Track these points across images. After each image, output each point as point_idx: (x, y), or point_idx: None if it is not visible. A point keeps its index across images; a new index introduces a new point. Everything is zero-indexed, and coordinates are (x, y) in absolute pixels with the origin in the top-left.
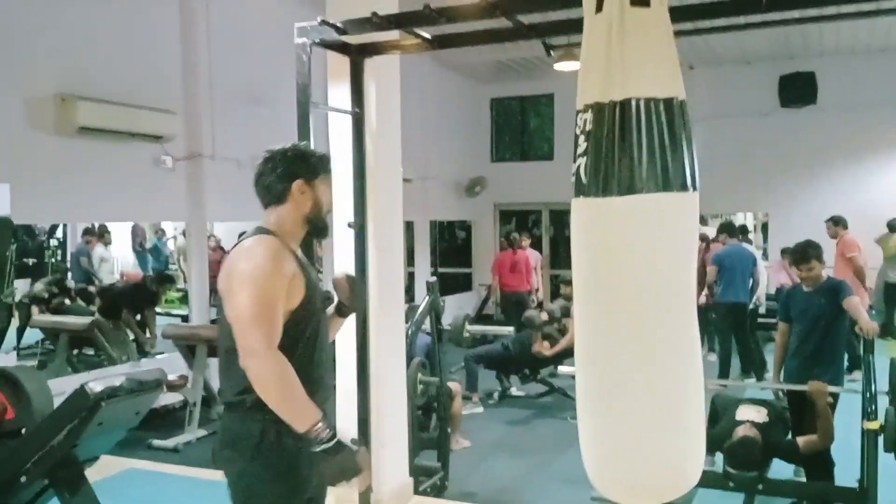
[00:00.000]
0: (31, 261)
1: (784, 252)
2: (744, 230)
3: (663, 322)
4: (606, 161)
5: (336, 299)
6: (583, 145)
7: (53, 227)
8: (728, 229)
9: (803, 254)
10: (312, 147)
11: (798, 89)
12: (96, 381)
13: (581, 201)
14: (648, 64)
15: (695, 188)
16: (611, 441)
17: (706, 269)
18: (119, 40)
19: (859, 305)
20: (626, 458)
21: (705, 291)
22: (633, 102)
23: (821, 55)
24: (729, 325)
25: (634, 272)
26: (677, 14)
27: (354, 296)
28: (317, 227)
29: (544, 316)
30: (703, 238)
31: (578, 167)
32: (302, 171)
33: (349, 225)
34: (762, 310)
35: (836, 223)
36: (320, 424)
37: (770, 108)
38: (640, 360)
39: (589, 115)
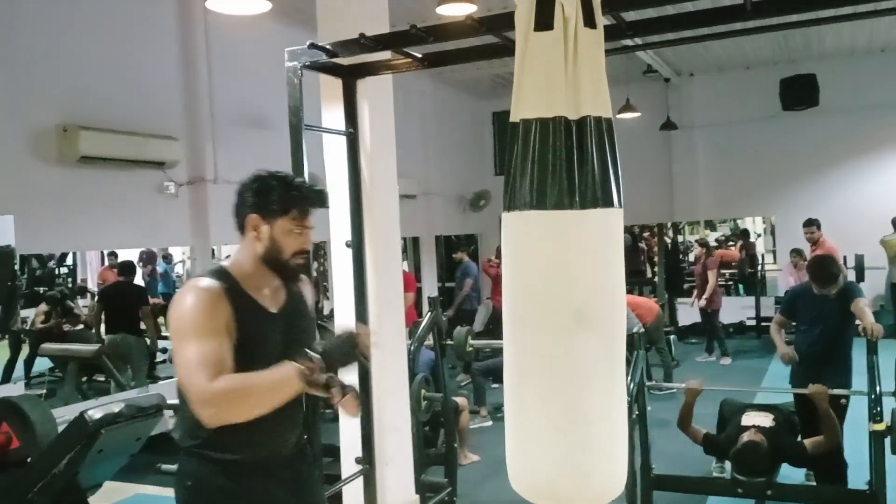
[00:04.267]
0: (42, 289)
1: (794, 253)
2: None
3: (559, 336)
4: (553, 176)
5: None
6: (522, 159)
7: (63, 256)
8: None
9: (824, 276)
10: (302, 179)
11: (799, 92)
12: (95, 409)
13: (514, 215)
14: (600, 83)
15: (615, 205)
16: (517, 447)
17: (707, 275)
18: (119, 68)
19: (866, 307)
20: (529, 465)
21: (706, 296)
22: (589, 121)
23: (821, 57)
24: None
25: (536, 284)
26: (664, 25)
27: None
28: (277, 270)
29: None
30: (703, 244)
31: (513, 179)
32: (258, 205)
33: (347, 244)
34: None
35: (819, 227)
36: (303, 371)
37: (772, 112)
38: (536, 373)
39: (534, 130)
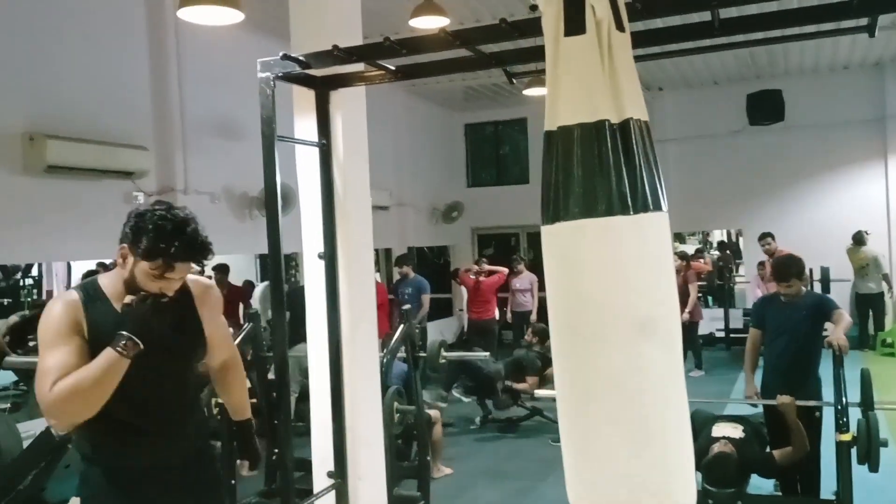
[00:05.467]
0: (5, 301)
1: (760, 265)
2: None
3: (625, 348)
4: (601, 182)
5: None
6: (565, 167)
7: (28, 266)
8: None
9: (784, 271)
10: (190, 229)
11: (765, 107)
12: None
13: (558, 226)
14: (636, 86)
15: (663, 209)
16: (582, 467)
17: (688, 288)
18: (88, 77)
19: (844, 322)
20: (596, 485)
21: (688, 309)
22: (632, 123)
23: (787, 74)
24: None
25: (595, 296)
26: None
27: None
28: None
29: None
30: (684, 256)
31: (556, 189)
32: (129, 240)
33: (319, 256)
34: None
35: (773, 238)
36: (120, 350)
37: (740, 127)
38: (602, 389)
39: (576, 137)
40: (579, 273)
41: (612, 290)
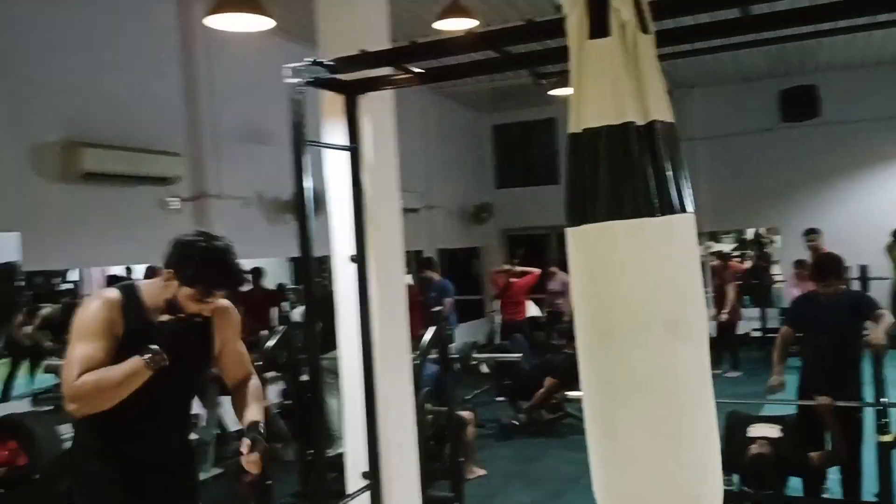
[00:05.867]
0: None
1: (797, 264)
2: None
3: (655, 349)
4: (628, 183)
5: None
6: (592, 169)
7: (66, 272)
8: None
9: (824, 270)
10: (232, 259)
11: (799, 103)
12: None
13: (585, 228)
14: (661, 88)
15: (689, 210)
16: (612, 469)
17: (725, 288)
18: (122, 85)
19: (886, 321)
20: (626, 488)
21: (726, 310)
22: (657, 125)
23: (820, 69)
24: None
25: (623, 298)
26: (664, 38)
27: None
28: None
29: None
30: (722, 256)
31: (582, 191)
32: (175, 265)
33: (352, 259)
34: None
35: (819, 235)
36: (147, 361)
37: (772, 124)
38: (632, 390)
39: (603, 139)
40: (606, 274)
41: (639, 291)
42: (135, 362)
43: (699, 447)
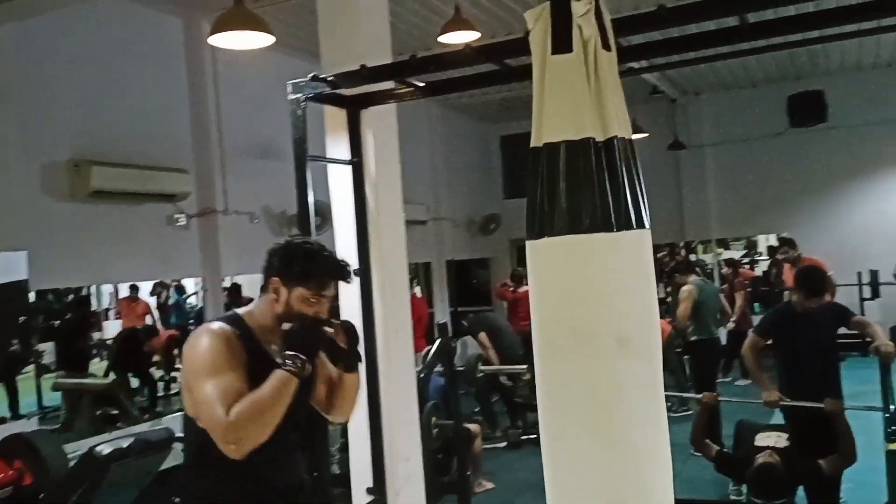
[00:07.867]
0: (56, 323)
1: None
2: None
3: (603, 363)
4: (585, 199)
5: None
6: (551, 184)
7: (78, 289)
8: None
9: (817, 287)
10: (329, 251)
11: (807, 108)
12: (105, 444)
13: (543, 241)
14: (621, 104)
15: (645, 226)
16: (561, 480)
17: (735, 296)
18: (129, 104)
19: (875, 325)
20: (574, 499)
21: (734, 318)
22: (616, 142)
23: (827, 73)
24: None
25: (574, 311)
26: (661, 49)
27: (353, 343)
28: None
29: None
30: (732, 263)
31: (541, 205)
32: (281, 270)
33: (355, 272)
34: None
35: (793, 245)
36: (292, 370)
37: (780, 129)
38: (579, 403)
39: (561, 154)
40: (562, 287)
41: (592, 305)
42: (277, 375)
43: (645, 462)
